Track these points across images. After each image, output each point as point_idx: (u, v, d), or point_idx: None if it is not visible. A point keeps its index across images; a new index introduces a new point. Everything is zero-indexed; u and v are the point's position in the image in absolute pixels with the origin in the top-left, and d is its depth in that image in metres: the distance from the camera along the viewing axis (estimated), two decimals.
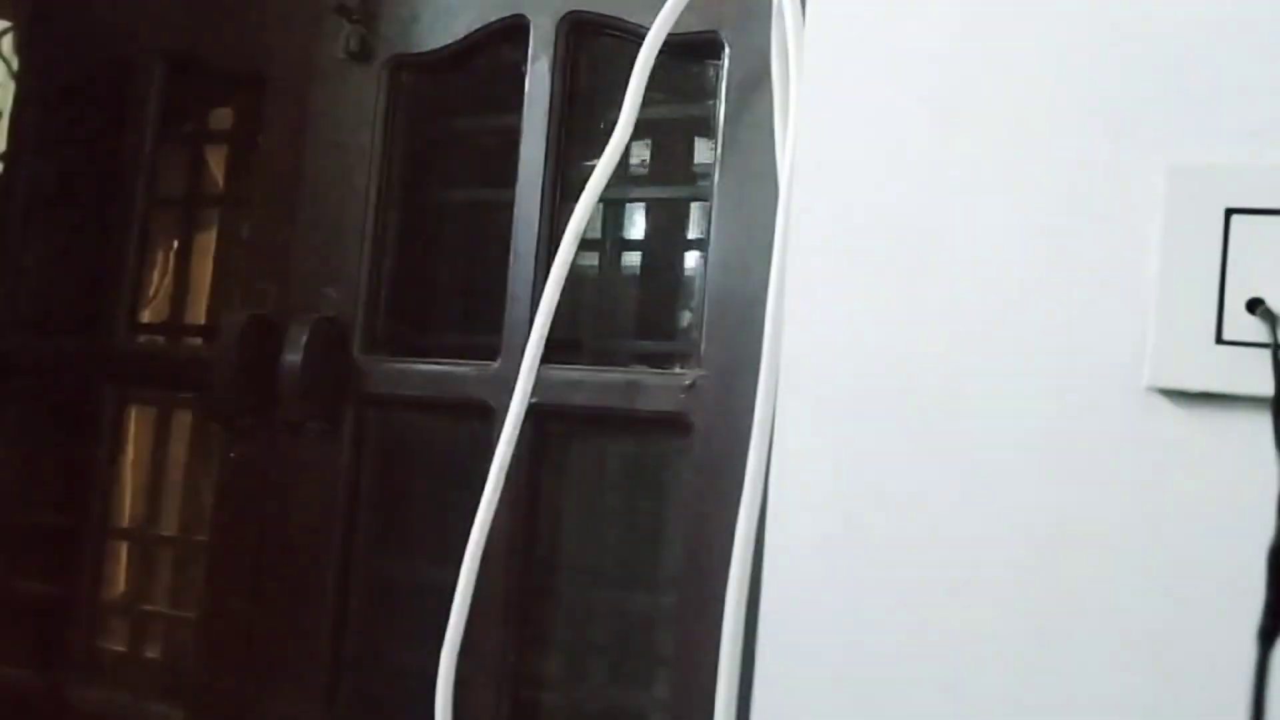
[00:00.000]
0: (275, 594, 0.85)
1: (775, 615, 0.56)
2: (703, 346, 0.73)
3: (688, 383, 0.73)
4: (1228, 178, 0.47)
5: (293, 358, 0.81)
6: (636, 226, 0.86)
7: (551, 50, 0.80)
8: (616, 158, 0.70)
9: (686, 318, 0.81)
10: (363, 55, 0.86)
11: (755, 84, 0.72)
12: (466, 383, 0.81)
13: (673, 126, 0.83)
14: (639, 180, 0.84)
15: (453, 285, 0.90)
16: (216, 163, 1.08)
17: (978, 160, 0.53)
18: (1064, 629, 0.50)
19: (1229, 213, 0.47)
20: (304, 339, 0.81)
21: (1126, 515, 0.49)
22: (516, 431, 0.70)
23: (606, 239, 0.85)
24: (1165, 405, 0.48)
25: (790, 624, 0.56)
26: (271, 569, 0.85)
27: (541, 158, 0.79)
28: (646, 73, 0.69)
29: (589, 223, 0.74)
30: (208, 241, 1.06)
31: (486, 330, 0.81)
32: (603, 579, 0.81)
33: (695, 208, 0.83)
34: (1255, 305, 0.46)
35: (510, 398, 0.71)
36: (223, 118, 1.09)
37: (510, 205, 0.80)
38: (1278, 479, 0.41)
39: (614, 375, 0.77)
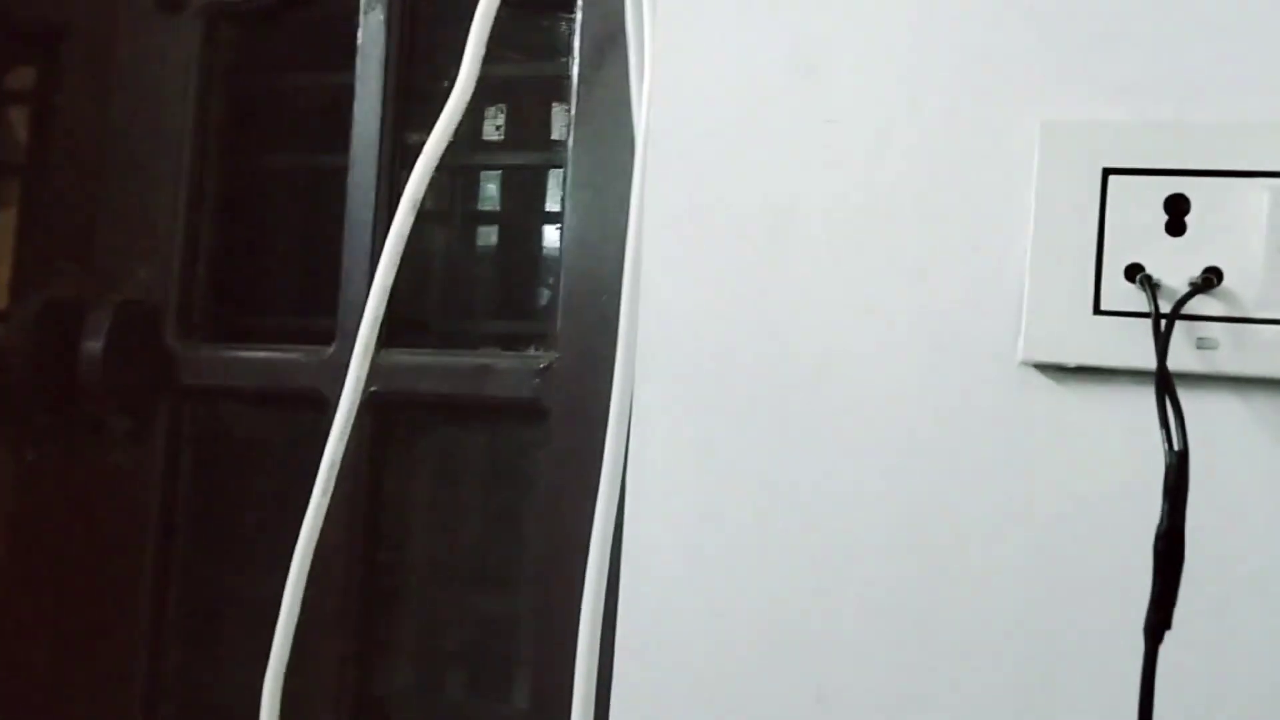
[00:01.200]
0: (80, 616, 0.76)
1: (634, 615, 0.51)
2: (559, 327, 0.68)
3: (542, 366, 0.67)
4: (1105, 135, 0.44)
5: (94, 345, 0.72)
6: (490, 197, 0.79)
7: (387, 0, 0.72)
8: (456, 118, 0.63)
9: (543, 296, 0.75)
10: (173, 4, 0.76)
11: (612, 41, 0.67)
12: (298, 370, 0.73)
13: (528, 88, 0.76)
14: (494, 147, 0.77)
15: (282, 262, 0.82)
16: (21, 127, 0.96)
17: (840, 122, 0.49)
18: (938, 619, 0.46)
19: (1106, 173, 0.43)
20: (107, 324, 0.72)
21: (1004, 499, 0.45)
22: (349, 423, 0.62)
23: (457, 211, 0.78)
24: (1042, 381, 0.45)
25: (649, 624, 0.51)
26: (75, 588, 0.76)
27: (377, 120, 0.72)
28: (489, 22, 0.62)
29: (439, 194, 0.68)
30: (8, 216, 0.94)
31: (321, 312, 0.73)
32: (456, 580, 0.75)
33: (553, 177, 0.77)
34: (1134, 272, 0.43)
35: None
36: (24, 76, 0.96)
37: (344, 172, 0.72)
38: (1164, 458, 0.37)
39: (463, 359, 0.71)
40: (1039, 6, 0.46)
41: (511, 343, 0.74)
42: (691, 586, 0.50)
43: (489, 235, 0.80)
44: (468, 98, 0.63)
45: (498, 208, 0.79)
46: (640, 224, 0.54)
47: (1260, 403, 0.42)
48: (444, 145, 0.63)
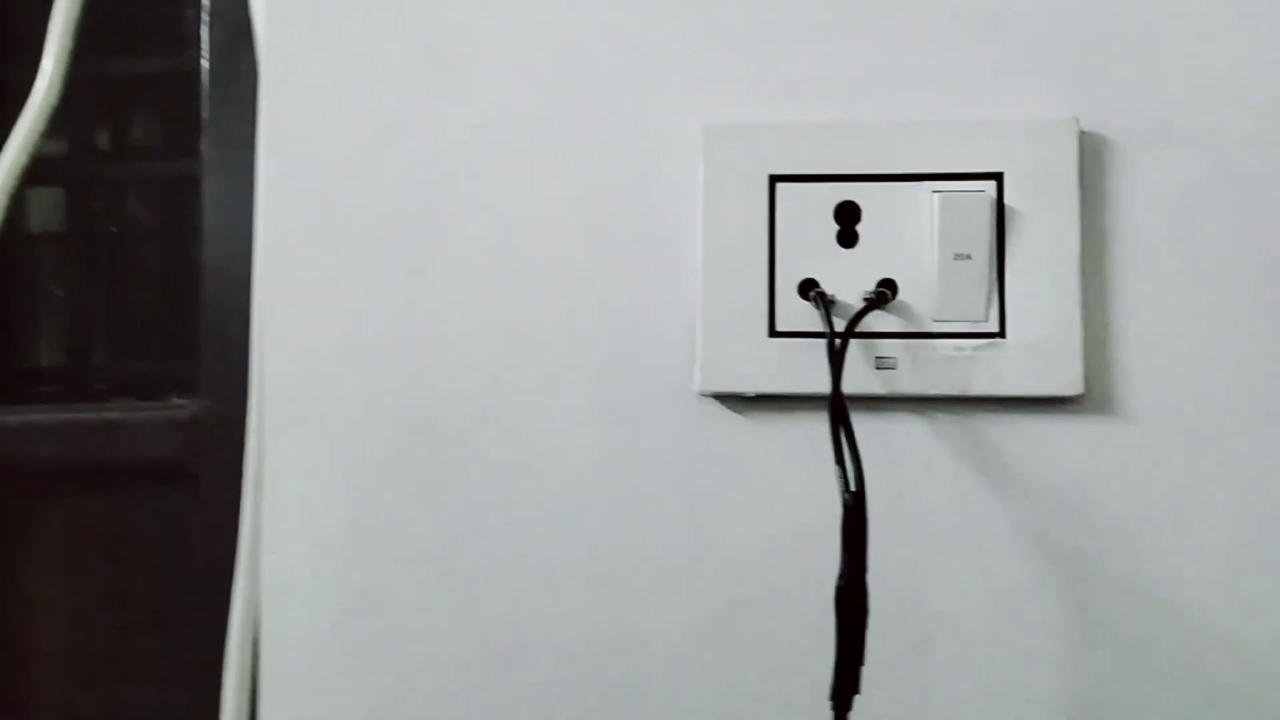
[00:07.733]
0: None
1: (276, 704, 0.42)
2: (202, 369, 0.57)
3: (186, 417, 0.57)
4: (770, 139, 0.39)
5: None
6: (119, 216, 0.67)
7: None
8: (43, 117, 0.51)
9: (184, 333, 0.64)
10: None
11: (245, 32, 0.57)
12: None
13: (159, 87, 0.65)
14: (121, 156, 0.65)
15: None
16: None
17: (486, 124, 0.42)
18: (622, 674, 0.40)
19: (774, 180, 0.39)
20: None
21: (687, 541, 0.40)
22: None
23: (79, 231, 0.65)
24: (722, 412, 0.40)
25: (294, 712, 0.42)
26: None
27: None
28: (75, 6, 0.51)
29: (53, 213, 0.55)
30: None
31: None
32: (91, 672, 0.62)
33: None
34: (808, 288, 0.39)
35: None
36: None
37: None
38: (840, 497, 0.33)
39: (87, 415, 0.59)
40: None
41: (149, 391, 0.62)
42: (337, 671, 0.42)
43: (116, 261, 0.68)
44: (56, 95, 0.51)
45: (130, 228, 0.67)
46: (265, 248, 0.45)
47: (942, 423, 0.39)
48: (27, 149, 0.51)
